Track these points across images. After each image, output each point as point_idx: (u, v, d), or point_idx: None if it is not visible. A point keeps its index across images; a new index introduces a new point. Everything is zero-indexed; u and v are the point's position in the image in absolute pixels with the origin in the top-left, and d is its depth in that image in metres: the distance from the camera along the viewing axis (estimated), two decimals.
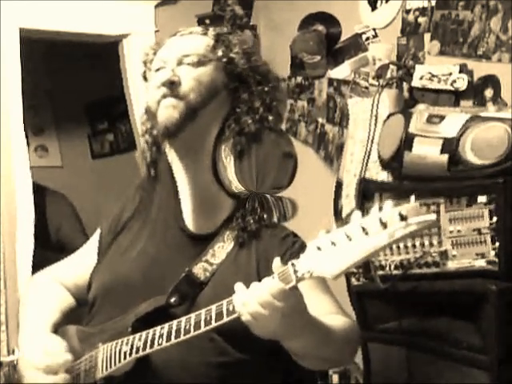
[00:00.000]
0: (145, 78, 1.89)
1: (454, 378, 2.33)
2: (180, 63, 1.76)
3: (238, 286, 1.49)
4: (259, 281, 1.48)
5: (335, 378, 3.08)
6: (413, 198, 1.31)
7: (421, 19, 3.10)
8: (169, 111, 1.72)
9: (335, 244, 1.35)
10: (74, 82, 4.87)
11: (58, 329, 1.86)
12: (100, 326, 1.76)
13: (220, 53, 1.79)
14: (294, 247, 1.78)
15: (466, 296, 2.31)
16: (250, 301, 1.44)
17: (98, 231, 1.97)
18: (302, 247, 1.60)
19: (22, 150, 3.13)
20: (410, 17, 3.14)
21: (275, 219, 1.82)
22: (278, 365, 1.70)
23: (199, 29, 1.87)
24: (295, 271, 1.42)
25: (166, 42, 1.85)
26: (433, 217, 1.28)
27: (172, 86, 1.72)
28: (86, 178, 5.04)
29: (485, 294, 2.23)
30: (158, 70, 1.79)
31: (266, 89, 1.83)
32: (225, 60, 1.79)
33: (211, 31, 1.84)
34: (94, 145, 5.30)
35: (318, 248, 1.38)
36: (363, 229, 1.31)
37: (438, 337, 2.39)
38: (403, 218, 1.27)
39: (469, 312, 2.29)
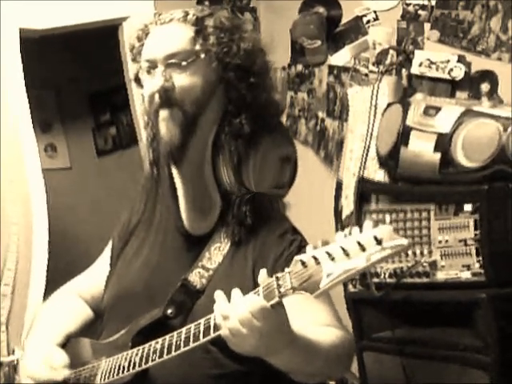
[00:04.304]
0: (138, 81, 1.82)
1: (454, 379, 2.41)
2: (168, 64, 1.70)
3: (219, 296, 1.47)
4: (255, 285, 1.47)
5: None
6: (388, 218, 1.36)
7: (421, 14, 3.17)
8: (169, 127, 1.70)
9: (319, 262, 1.40)
10: (75, 73, 4.96)
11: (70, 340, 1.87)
12: (107, 339, 1.78)
13: (198, 47, 1.72)
14: (291, 248, 1.73)
15: (459, 304, 2.38)
16: (230, 315, 1.42)
17: (111, 241, 1.99)
18: (300, 247, 1.67)
19: (34, 151, 3.18)
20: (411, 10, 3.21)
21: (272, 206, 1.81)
22: (278, 376, 1.61)
23: (179, 13, 1.76)
24: (278, 286, 1.40)
25: (150, 30, 1.78)
26: (405, 241, 1.35)
27: (166, 93, 1.69)
28: (94, 179, 5.15)
29: (476, 302, 2.31)
30: (148, 71, 1.74)
31: (253, 80, 1.74)
32: (203, 54, 1.72)
33: (191, 16, 1.75)
34: (99, 140, 5.37)
35: (303, 263, 1.42)
36: (344, 250, 1.38)
37: (435, 342, 2.47)
38: (378, 241, 1.35)
39: (464, 318, 2.37)
